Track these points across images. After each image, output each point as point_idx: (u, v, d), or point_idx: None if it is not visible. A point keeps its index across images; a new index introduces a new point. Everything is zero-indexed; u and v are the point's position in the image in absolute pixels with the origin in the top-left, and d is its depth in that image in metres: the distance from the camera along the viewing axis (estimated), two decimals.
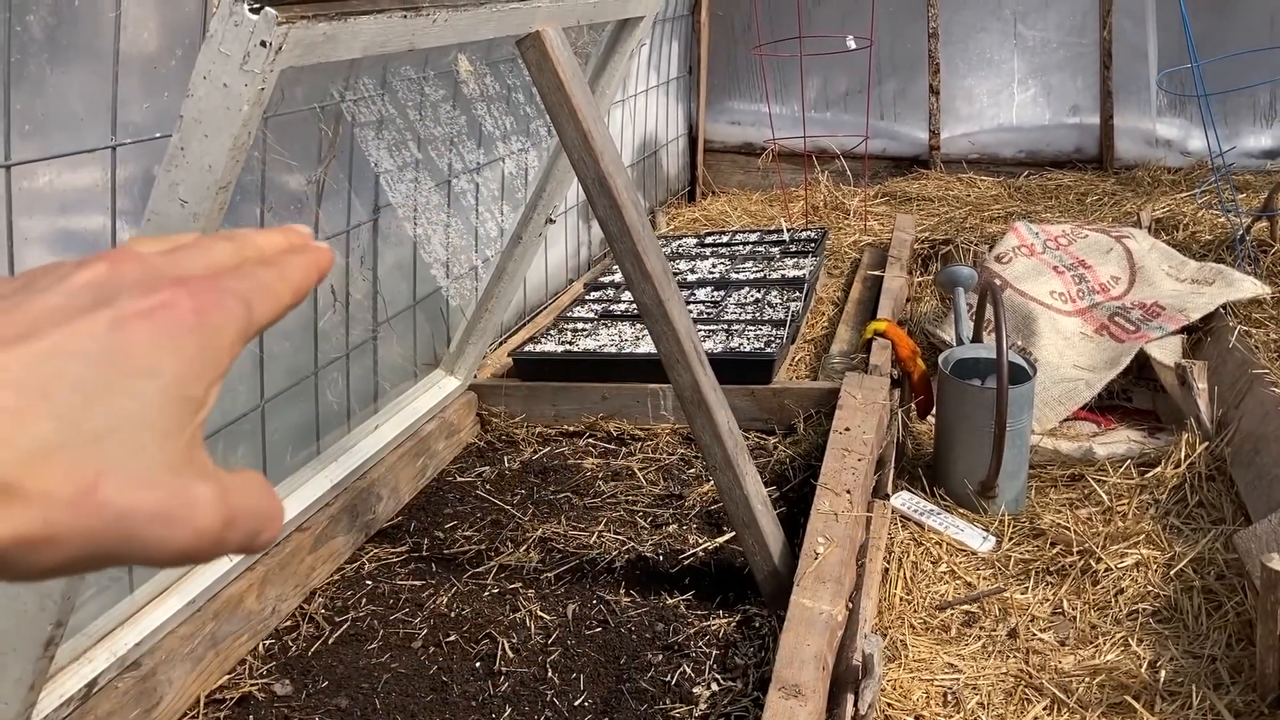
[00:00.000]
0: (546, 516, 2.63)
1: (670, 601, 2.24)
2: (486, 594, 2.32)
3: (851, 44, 5.14)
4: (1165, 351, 3.17)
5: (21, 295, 0.41)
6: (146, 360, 0.41)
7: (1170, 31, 5.40)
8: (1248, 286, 3.46)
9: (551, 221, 2.88)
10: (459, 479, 2.87)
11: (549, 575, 2.37)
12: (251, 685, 2.04)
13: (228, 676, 2.07)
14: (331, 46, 1.36)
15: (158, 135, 1.90)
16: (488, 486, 2.82)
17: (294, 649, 2.17)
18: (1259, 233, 4.10)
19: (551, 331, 3.51)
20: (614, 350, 3.28)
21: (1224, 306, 3.39)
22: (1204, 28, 4.77)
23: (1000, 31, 5.78)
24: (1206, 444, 2.81)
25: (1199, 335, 3.35)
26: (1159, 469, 2.77)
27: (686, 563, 2.39)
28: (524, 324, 3.83)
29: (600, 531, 2.54)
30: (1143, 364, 3.21)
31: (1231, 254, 4.00)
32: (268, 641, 2.19)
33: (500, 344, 3.58)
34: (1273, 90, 5.27)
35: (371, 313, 2.71)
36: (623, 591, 2.29)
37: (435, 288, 3.00)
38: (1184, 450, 2.79)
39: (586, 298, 3.92)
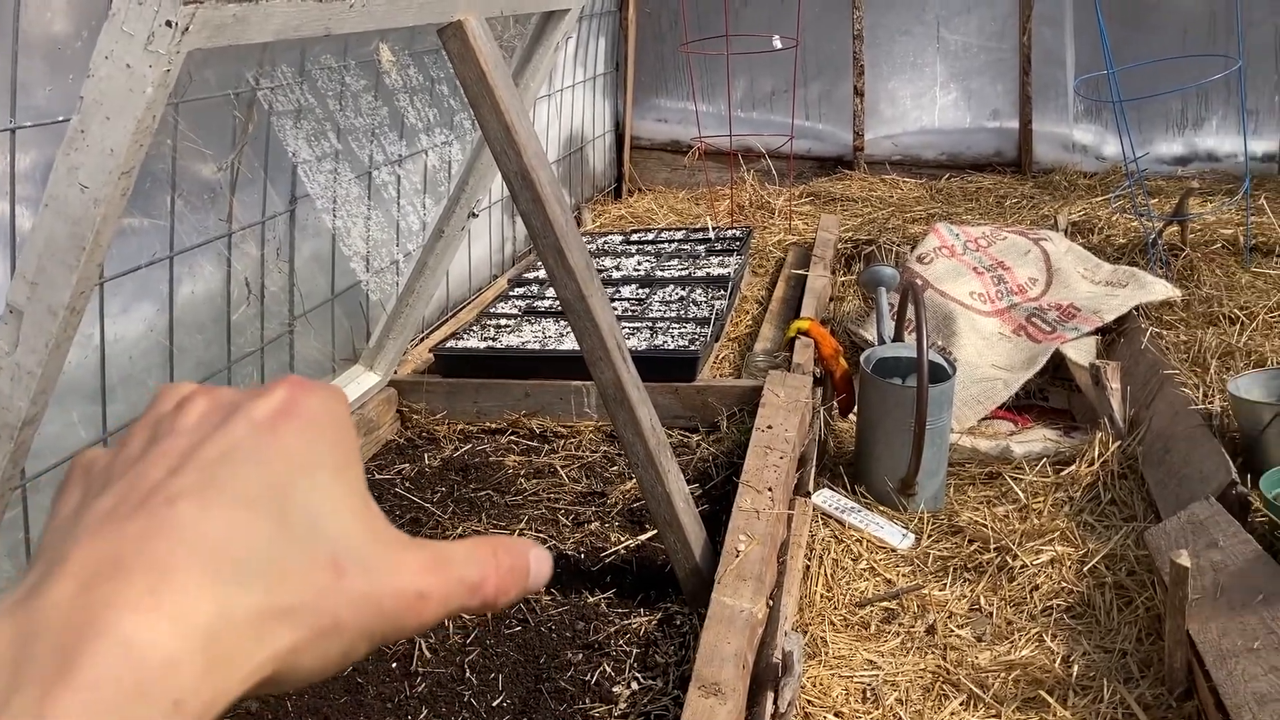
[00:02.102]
0: (467, 514, 2.60)
1: (591, 600, 2.22)
2: None
3: (778, 44, 5.16)
4: (1080, 352, 3.23)
5: (153, 451, 0.41)
6: (307, 452, 0.42)
7: (1087, 39, 5.52)
8: (1159, 289, 3.54)
9: (474, 215, 2.84)
10: (377, 476, 2.82)
11: None
12: None
13: None
14: (242, 29, 1.32)
15: (61, 119, 1.82)
16: (407, 484, 2.77)
17: None
18: (1170, 237, 4.21)
19: (474, 327, 3.47)
20: (537, 347, 3.25)
21: (1136, 308, 3.47)
22: (1120, 36, 4.88)
23: (923, 35, 5.86)
24: (1119, 443, 2.87)
25: (1113, 336, 3.43)
26: (1073, 467, 2.82)
27: (608, 561, 2.37)
28: (446, 319, 3.78)
29: (521, 529, 2.51)
30: (1059, 364, 3.27)
31: (1144, 257, 4.10)
32: None
33: (422, 340, 3.52)
34: (1185, 99, 5.41)
35: (288, 306, 2.65)
36: (543, 590, 2.27)
37: (355, 281, 2.94)
38: (1098, 449, 2.84)
39: (510, 294, 3.88)
